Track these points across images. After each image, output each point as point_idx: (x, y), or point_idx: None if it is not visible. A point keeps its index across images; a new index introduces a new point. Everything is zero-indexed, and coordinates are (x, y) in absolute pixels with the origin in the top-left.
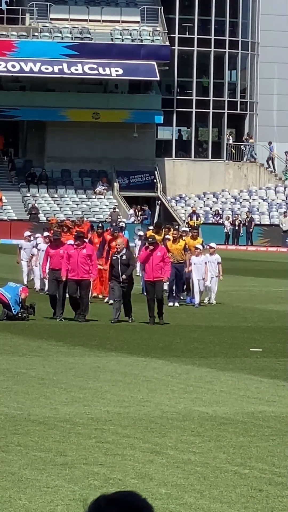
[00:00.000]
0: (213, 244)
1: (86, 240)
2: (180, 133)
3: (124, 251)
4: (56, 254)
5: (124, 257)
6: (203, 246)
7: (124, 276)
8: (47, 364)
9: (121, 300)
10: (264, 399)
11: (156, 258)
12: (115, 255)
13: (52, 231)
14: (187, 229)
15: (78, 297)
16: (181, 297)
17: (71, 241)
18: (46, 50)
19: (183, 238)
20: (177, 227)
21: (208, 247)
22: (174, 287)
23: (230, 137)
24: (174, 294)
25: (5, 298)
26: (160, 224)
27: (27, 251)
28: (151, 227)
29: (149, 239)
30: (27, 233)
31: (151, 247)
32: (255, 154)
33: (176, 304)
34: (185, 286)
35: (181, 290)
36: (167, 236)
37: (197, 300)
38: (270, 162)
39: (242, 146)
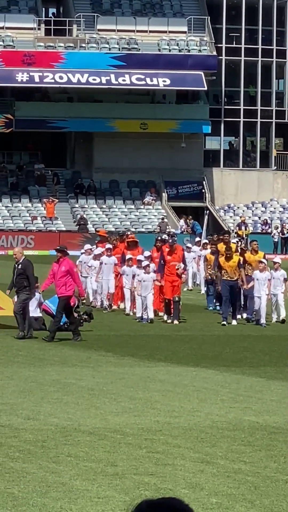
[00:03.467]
0: (277, 259)
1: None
2: (231, 143)
3: (21, 260)
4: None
5: (20, 266)
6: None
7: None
8: (97, 375)
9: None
10: None
11: (59, 273)
12: (15, 264)
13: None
14: (236, 240)
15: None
16: (239, 316)
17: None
18: (93, 61)
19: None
20: (235, 241)
21: (272, 262)
22: (229, 306)
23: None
24: (230, 313)
25: (50, 310)
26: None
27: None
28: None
29: (58, 247)
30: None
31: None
32: None
33: (234, 322)
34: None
35: (238, 309)
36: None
37: (263, 319)
38: None
39: None
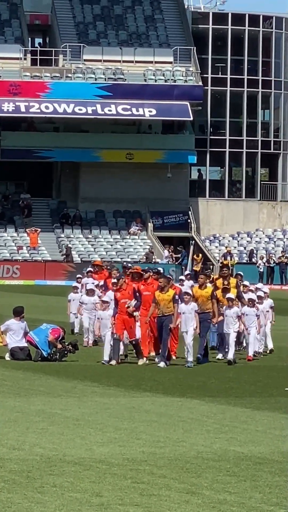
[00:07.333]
0: (253, 296)
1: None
2: (200, 173)
3: None
4: None
5: None
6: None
7: None
8: (82, 405)
9: None
10: None
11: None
12: None
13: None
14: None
15: None
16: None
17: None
18: (79, 91)
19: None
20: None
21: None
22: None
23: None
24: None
25: (34, 341)
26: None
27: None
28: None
29: None
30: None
31: None
32: None
33: (219, 356)
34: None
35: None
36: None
37: (189, 357)
38: None
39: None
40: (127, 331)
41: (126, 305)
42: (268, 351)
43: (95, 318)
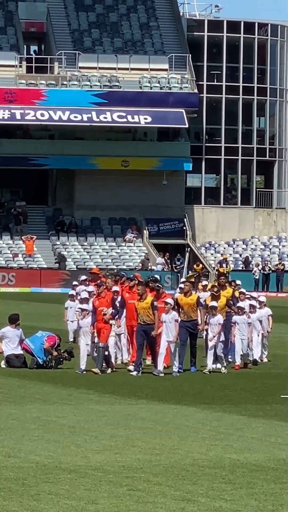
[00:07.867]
0: (214, 303)
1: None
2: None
3: None
4: None
5: None
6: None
7: None
8: (78, 412)
9: None
10: None
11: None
12: None
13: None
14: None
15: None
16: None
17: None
18: (75, 99)
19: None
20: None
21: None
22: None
23: None
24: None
25: (29, 349)
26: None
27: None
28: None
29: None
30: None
31: None
32: None
33: (193, 369)
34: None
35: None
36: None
37: (174, 367)
38: None
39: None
40: (101, 335)
41: (103, 313)
42: (252, 362)
43: None
